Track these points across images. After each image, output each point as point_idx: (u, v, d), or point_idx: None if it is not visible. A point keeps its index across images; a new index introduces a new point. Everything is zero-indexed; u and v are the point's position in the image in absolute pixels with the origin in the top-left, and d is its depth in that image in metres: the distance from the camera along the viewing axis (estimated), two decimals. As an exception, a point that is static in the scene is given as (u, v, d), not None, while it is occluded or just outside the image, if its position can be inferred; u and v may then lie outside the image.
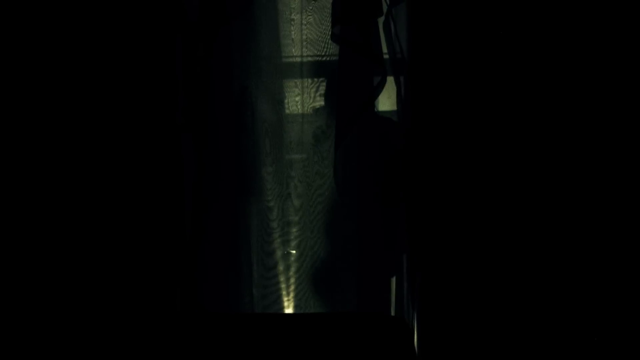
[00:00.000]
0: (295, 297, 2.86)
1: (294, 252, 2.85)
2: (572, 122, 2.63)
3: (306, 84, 2.89)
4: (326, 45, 2.83)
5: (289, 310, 2.86)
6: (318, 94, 2.88)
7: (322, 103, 2.86)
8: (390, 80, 2.76)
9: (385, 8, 2.73)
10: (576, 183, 2.63)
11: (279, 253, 2.86)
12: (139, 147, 2.66)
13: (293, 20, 2.86)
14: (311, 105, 2.88)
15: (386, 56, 2.75)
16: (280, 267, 2.87)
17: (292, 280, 2.86)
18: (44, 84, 2.63)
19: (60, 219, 2.63)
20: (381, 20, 2.73)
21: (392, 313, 2.80)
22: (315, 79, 2.89)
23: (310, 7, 2.86)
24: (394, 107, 2.80)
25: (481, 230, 2.65)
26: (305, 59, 2.89)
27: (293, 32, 2.86)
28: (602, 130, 2.63)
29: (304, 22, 2.86)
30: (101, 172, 2.65)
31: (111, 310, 2.60)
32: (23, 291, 2.60)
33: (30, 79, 2.63)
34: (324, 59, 2.85)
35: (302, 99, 2.89)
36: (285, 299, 2.86)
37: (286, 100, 2.88)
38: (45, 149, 2.64)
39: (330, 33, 2.77)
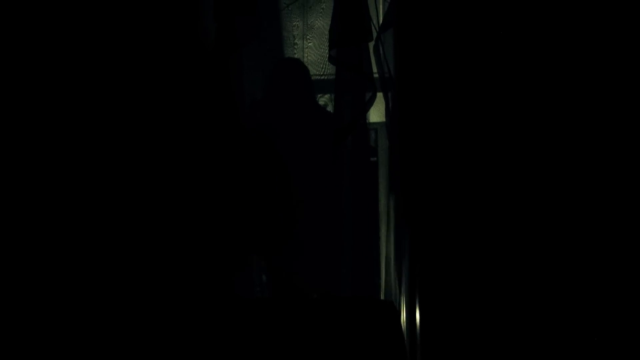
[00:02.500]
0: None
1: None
2: (558, 131, 2.69)
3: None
4: (324, 66, 3.02)
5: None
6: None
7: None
8: (379, 96, 2.90)
9: (375, 34, 2.89)
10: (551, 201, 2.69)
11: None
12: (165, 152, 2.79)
13: (296, 44, 3.04)
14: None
15: (376, 75, 2.90)
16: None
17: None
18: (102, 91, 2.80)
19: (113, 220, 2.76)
20: (371, 44, 2.89)
21: (382, 297, 2.94)
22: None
23: (310, 33, 3.04)
24: (383, 119, 2.98)
25: (467, 222, 2.70)
26: (306, 78, 3.01)
27: (296, 55, 3.04)
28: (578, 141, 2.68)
29: (305, 46, 3.04)
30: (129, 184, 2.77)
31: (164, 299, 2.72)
32: (80, 281, 2.71)
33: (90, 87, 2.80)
34: (323, 77, 3.04)
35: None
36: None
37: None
38: (117, 147, 2.77)
39: (327, 55, 2.92)
